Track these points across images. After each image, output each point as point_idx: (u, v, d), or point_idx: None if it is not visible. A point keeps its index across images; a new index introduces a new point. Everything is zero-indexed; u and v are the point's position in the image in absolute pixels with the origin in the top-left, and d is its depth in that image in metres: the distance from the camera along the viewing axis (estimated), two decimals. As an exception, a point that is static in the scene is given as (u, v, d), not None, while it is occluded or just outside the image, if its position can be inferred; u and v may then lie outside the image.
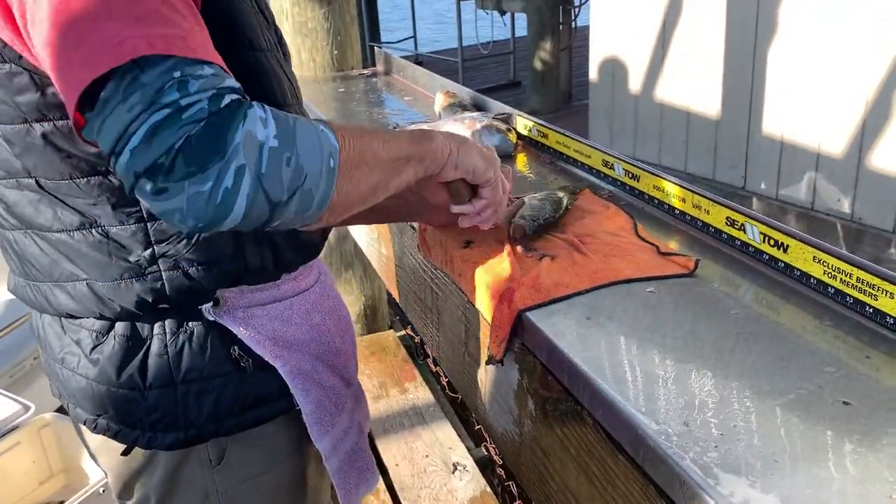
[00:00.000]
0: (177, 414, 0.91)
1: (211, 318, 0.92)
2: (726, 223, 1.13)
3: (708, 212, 1.17)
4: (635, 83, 4.69)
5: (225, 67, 0.71)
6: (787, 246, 1.02)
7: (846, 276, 0.93)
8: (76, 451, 2.18)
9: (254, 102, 0.69)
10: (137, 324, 0.91)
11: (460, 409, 2.92)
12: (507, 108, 1.83)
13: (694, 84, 4.28)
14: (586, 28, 5.36)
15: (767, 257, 1.06)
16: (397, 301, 1.74)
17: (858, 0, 3.35)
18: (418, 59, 8.15)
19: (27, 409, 2.16)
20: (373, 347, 3.27)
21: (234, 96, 0.67)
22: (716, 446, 0.73)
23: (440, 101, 1.98)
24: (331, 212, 0.75)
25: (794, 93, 3.74)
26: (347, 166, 0.75)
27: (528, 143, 1.72)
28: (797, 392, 0.80)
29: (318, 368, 1.01)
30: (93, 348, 0.92)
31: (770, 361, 0.86)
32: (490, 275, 1.11)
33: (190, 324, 0.91)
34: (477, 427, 2.78)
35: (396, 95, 2.36)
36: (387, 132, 0.84)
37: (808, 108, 3.69)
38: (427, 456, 2.57)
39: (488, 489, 2.35)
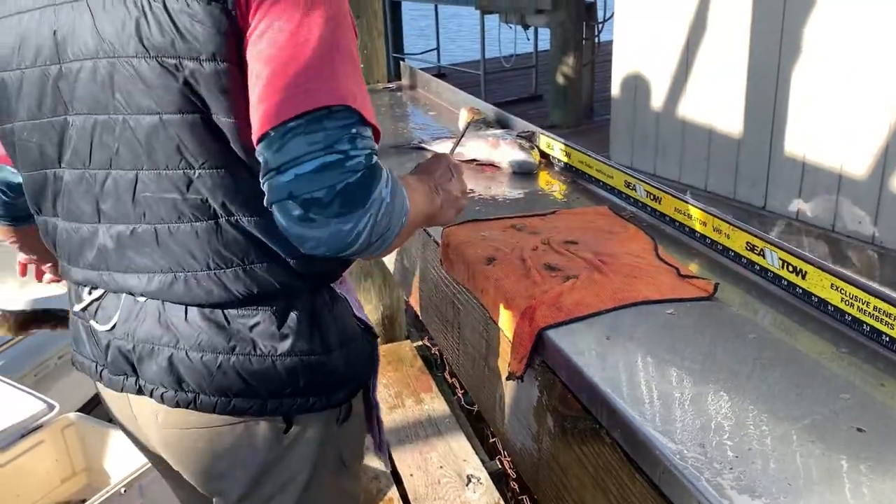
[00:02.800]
0: (345, 375, 1.03)
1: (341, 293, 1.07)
2: (746, 248, 1.15)
3: (728, 236, 1.19)
4: (657, 100, 4.69)
5: (378, 130, 0.87)
6: (806, 272, 1.04)
7: (863, 304, 0.95)
8: (99, 450, 2.22)
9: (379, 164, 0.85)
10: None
11: (475, 421, 2.94)
12: (531, 126, 1.86)
13: (716, 102, 4.28)
14: (609, 43, 5.38)
15: (786, 283, 1.08)
16: (418, 314, 1.76)
17: (882, 21, 3.35)
18: (441, 71, 8.20)
19: (52, 407, 2.20)
20: (390, 357, 3.29)
21: (376, 158, 0.85)
22: (731, 468, 0.75)
23: (464, 116, 2.01)
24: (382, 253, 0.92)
25: (817, 113, 3.74)
26: (406, 229, 0.92)
27: (550, 161, 1.75)
28: (812, 417, 0.82)
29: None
30: (279, 327, 0.98)
31: (786, 386, 0.88)
32: (512, 292, 1.13)
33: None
34: (492, 440, 2.80)
35: (421, 110, 2.40)
36: (421, 192, 1.02)
37: (831, 129, 3.68)
38: (441, 467, 2.58)
39: (502, 502, 2.36)
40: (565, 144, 1.69)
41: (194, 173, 0.90)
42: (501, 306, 1.15)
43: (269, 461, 1.03)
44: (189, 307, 0.96)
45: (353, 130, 0.82)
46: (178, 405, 0.99)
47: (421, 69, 2.71)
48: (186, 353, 0.97)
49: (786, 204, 4.00)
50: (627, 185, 1.45)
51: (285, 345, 0.97)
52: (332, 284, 1.05)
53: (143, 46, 0.85)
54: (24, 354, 2.93)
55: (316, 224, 0.80)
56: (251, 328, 0.96)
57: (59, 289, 4.05)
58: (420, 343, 3.47)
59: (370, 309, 3.35)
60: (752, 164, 4.16)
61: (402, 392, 3.05)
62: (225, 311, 0.96)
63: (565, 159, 1.69)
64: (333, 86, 0.81)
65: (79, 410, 2.45)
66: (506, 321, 1.13)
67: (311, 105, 0.80)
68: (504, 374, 1.15)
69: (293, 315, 0.97)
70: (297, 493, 1.05)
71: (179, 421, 1.01)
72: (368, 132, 0.84)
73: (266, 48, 0.82)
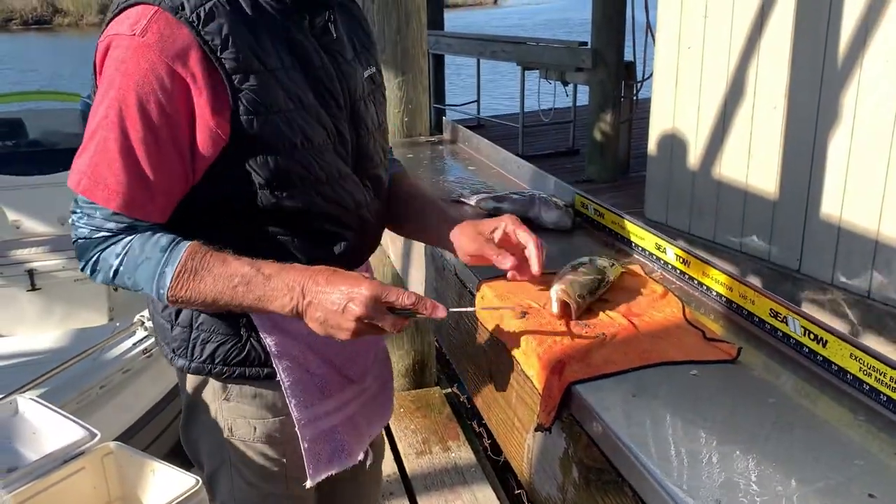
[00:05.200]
0: (187, 348, 1.27)
1: None
2: (770, 314, 1.19)
3: (753, 302, 1.23)
4: (693, 159, 4.75)
5: (121, 211, 1.10)
6: (826, 341, 1.08)
7: (881, 374, 0.99)
8: (135, 480, 2.29)
9: (120, 240, 1.11)
10: None
11: (500, 472, 2.95)
12: (568, 187, 1.93)
13: (752, 164, 4.33)
14: (647, 100, 5.46)
15: (807, 350, 1.12)
16: (450, 361, 1.82)
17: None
18: (480, 123, 8.36)
19: (94, 435, 2.27)
20: (418, 402, 3.34)
21: (106, 234, 1.11)
22: (746, 525, 0.79)
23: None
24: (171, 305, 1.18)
25: (854, 179, 3.76)
26: (172, 299, 1.12)
27: (584, 220, 1.81)
28: (826, 481, 0.86)
29: (309, 357, 1.27)
30: None
31: (803, 450, 0.92)
32: (543, 346, 1.19)
33: None
34: (517, 491, 2.81)
35: (461, 164, 2.49)
36: (247, 278, 1.10)
37: (868, 195, 3.69)
38: (466, 515, 2.60)
39: (524, 554, 2.37)
40: (599, 204, 1.76)
41: None
42: (532, 359, 1.20)
43: (175, 387, 1.41)
44: None
45: (85, 211, 1.12)
46: None
47: (460, 120, 2.82)
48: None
49: (821, 268, 4.00)
50: (658, 247, 1.51)
51: (155, 304, 1.29)
52: None
53: None
54: (68, 382, 3.04)
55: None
56: None
57: (100, 320, 4.13)
58: (449, 390, 3.51)
59: (401, 354, 3.41)
60: (788, 227, 4.17)
61: (429, 438, 3.09)
62: None
63: (599, 219, 1.75)
64: (87, 176, 1.09)
65: (117, 439, 2.53)
66: (536, 374, 1.19)
67: (70, 183, 1.11)
68: (532, 425, 1.20)
69: None
70: (179, 425, 1.40)
71: None
72: (98, 214, 1.10)
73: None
